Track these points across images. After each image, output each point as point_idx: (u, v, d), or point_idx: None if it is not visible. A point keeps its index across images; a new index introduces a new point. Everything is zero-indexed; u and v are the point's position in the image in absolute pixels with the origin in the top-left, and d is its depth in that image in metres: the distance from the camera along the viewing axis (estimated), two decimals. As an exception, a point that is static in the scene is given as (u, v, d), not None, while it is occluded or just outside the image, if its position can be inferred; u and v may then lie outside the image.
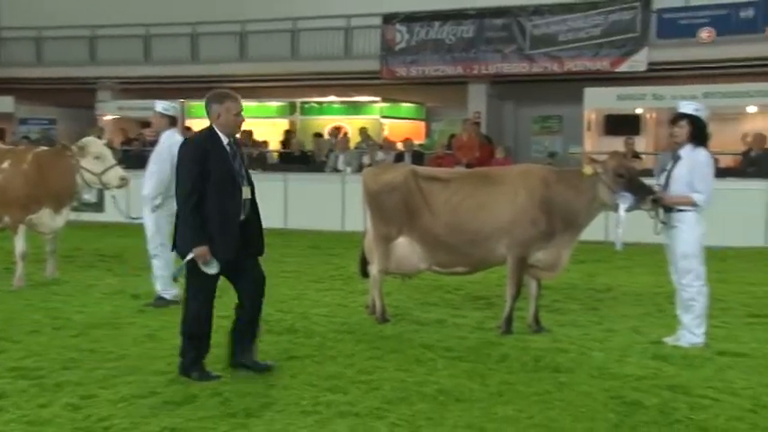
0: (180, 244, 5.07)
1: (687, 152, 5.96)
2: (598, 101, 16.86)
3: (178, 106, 8.36)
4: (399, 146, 15.78)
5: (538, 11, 18.30)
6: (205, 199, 4.87)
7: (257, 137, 18.35)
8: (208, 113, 5.09)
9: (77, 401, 4.63)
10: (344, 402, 4.63)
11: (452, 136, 16.57)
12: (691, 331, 5.99)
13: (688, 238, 5.91)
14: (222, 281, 5.10)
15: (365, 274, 7.05)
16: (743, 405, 4.66)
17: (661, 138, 15.85)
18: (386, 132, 19.23)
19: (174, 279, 5.01)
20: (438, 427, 4.29)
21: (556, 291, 7.97)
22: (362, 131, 17.12)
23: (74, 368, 5.31)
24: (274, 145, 19.14)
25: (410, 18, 19.40)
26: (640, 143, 16.10)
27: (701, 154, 5.94)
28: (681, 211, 5.91)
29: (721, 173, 10.44)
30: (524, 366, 5.43)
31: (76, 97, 22.35)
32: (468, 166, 13.19)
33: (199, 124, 20.01)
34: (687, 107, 6.06)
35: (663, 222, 6.02)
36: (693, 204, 5.87)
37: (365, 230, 7.00)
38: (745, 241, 11.51)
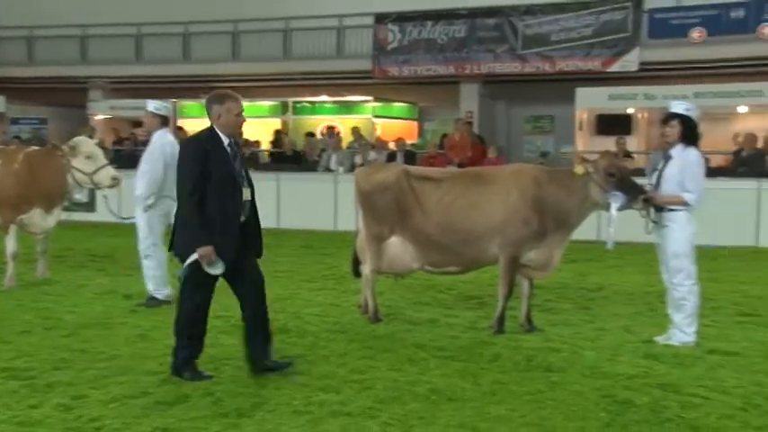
0: (179, 244, 5.01)
1: (678, 152, 5.98)
2: (590, 101, 16.91)
3: (170, 106, 8.35)
4: (392, 145, 15.79)
5: (530, 11, 18.34)
6: (206, 199, 4.83)
7: (249, 136, 18.32)
8: (208, 114, 5.05)
9: (68, 402, 4.62)
10: (336, 402, 4.62)
11: (444, 135, 16.59)
12: (682, 330, 6.02)
13: (679, 237, 5.93)
14: (220, 282, 5.07)
15: (357, 273, 7.05)
16: (734, 403, 4.68)
17: (652, 137, 15.90)
18: (378, 132, 19.24)
19: (179, 280, 4.92)
20: (430, 426, 4.30)
21: (548, 290, 7.98)
22: (355, 131, 17.12)
23: (65, 368, 5.29)
24: (266, 145, 19.12)
25: (402, 18, 19.40)
26: (632, 143, 16.15)
27: (692, 154, 5.97)
28: (672, 210, 5.94)
29: (712, 172, 10.48)
30: (516, 366, 5.44)
31: (68, 97, 22.27)
32: (461, 165, 13.21)
33: (191, 124, 20.09)
34: (678, 107, 6.09)
35: (654, 222, 6.04)
36: (684, 204, 5.89)
37: (357, 230, 7.00)
38: (736, 241, 11.56)
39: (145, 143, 8.31)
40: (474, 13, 18.73)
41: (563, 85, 17.45)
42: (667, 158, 6.04)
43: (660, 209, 5.98)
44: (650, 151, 14.85)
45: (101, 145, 9.17)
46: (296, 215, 13.92)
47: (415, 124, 21.41)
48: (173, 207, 7.55)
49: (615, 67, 17.57)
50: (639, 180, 6.39)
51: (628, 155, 14.23)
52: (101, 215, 12.09)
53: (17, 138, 18.60)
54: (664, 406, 4.62)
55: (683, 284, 5.97)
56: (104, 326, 6.55)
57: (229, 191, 4.91)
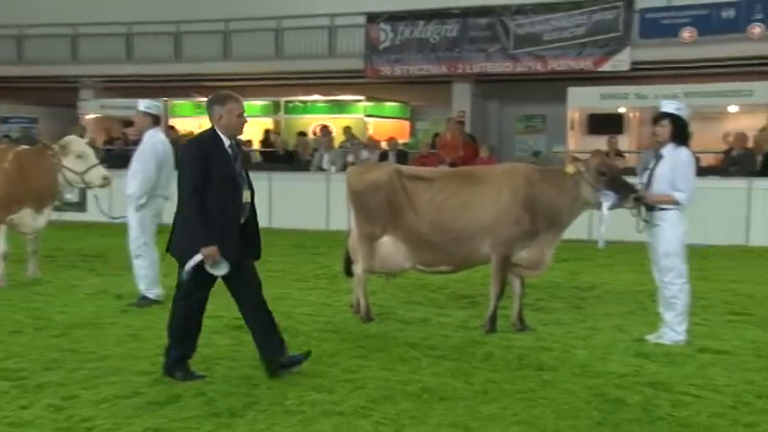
0: (177, 245, 4.96)
1: (669, 151, 6.00)
2: (581, 100, 16.96)
3: (161, 105, 8.33)
4: (384, 145, 15.79)
5: (521, 10, 18.38)
6: (206, 200, 4.79)
7: (241, 136, 18.27)
8: (210, 115, 5.01)
9: (59, 402, 4.59)
10: (329, 401, 4.62)
11: (436, 135, 16.60)
12: (673, 329, 6.04)
13: (670, 236, 5.95)
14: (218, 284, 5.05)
15: (349, 273, 7.05)
16: (724, 402, 4.70)
17: (644, 137, 15.96)
18: (370, 131, 19.24)
19: (184, 279, 4.85)
20: (422, 425, 4.30)
21: (540, 289, 8.00)
22: (347, 131, 17.11)
23: (56, 369, 5.26)
24: (257, 144, 19.08)
25: (394, 17, 19.41)
26: (623, 142, 16.22)
27: (683, 153, 5.99)
28: (663, 209, 5.95)
29: (703, 171, 10.52)
30: (508, 365, 5.44)
31: (58, 96, 22.19)
32: (453, 165, 13.23)
33: (182, 123, 20.08)
34: (669, 106, 6.11)
35: (645, 221, 6.06)
36: (675, 203, 5.91)
37: (349, 229, 7.00)
38: (727, 240, 11.61)
39: (136, 142, 8.29)
40: (466, 13, 18.76)
41: (555, 85, 17.50)
42: (658, 158, 6.06)
43: (651, 208, 6.00)
44: (642, 150, 14.90)
45: (91, 144, 9.15)
46: (288, 215, 13.90)
47: (406, 124, 21.43)
48: (164, 206, 7.59)
49: (607, 67, 17.62)
50: (631, 179, 6.41)
51: (619, 154, 14.29)
52: (92, 215, 12.04)
53: (7, 137, 18.50)
54: (655, 404, 4.63)
55: (673, 283, 5.99)
56: (95, 326, 6.52)
57: (230, 192, 4.88)
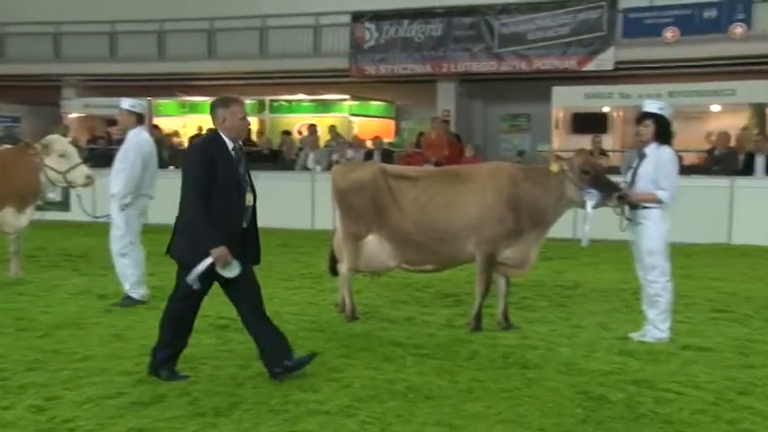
0: (179, 247, 4.91)
1: (652, 150, 6.04)
2: (566, 99, 17.02)
3: (145, 104, 8.27)
4: (369, 144, 15.79)
5: (506, 10, 18.44)
6: (210, 203, 4.75)
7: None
8: (213, 118, 4.97)
9: (41, 403, 4.56)
10: (314, 401, 4.62)
11: (421, 134, 16.63)
12: (656, 327, 6.08)
13: (653, 234, 5.99)
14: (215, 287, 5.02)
15: (334, 272, 7.04)
16: (706, 398, 4.74)
17: (628, 136, 16.07)
18: (355, 130, 19.24)
19: (189, 282, 4.78)
20: (408, 424, 4.30)
21: (524, 288, 8.03)
22: (332, 130, 17.09)
23: (38, 369, 5.22)
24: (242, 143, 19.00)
25: (379, 16, 19.41)
26: (608, 141, 16.30)
27: (666, 152, 6.03)
28: (646, 207, 5.99)
29: (686, 170, 10.60)
30: (493, 363, 5.46)
31: (41, 94, 22.01)
32: (438, 164, 13.25)
33: (166, 122, 19.97)
34: (652, 106, 6.15)
35: (628, 219, 6.10)
36: (658, 201, 5.95)
37: (334, 229, 6.99)
38: (709, 238, 11.70)
39: (119, 141, 8.23)
40: (450, 12, 18.79)
41: (539, 84, 17.56)
42: (642, 157, 6.10)
43: (634, 206, 6.04)
44: (625, 149, 15.00)
45: (74, 143, 9.07)
46: (273, 214, 13.76)
47: (392, 123, 21.44)
48: (149, 205, 7.55)
49: (591, 66, 17.72)
50: (615, 178, 6.44)
51: (603, 153, 14.37)
52: (75, 214, 11.95)
53: (-11, 136, 18.35)
54: (638, 401, 4.67)
55: (657, 281, 6.03)
56: (79, 326, 6.48)
57: (233, 196, 4.85)
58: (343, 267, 6.80)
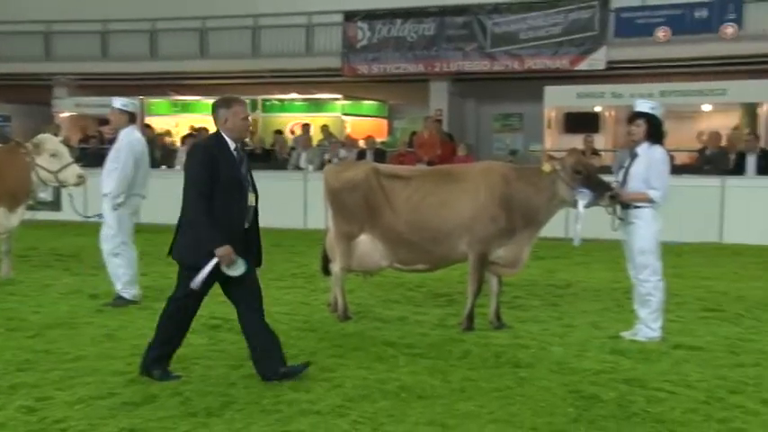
0: (180, 248, 4.89)
1: (644, 150, 6.06)
2: (558, 99, 17.05)
3: (137, 103, 8.24)
4: (361, 143, 15.78)
5: (498, 9, 18.46)
6: (212, 204, 4.73)
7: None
8: (215, 118, 4.96)
9: (32, 404, 4.54)
10: (306, 401, 4.61)
11: (414, 133, 16.63)
12: (648, 326, 6.10)
13: (645, 233, 6.01)
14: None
15: (327, 271, 7.04)
16: (697, 397, 4.76)
17: (620, 135, 16.09)
18: (348, 130, 19.23)
19: (194, 286, 4.78)
20: (400, 424, 4.30)
21: (516, 287, 8.04)
22: (324, 129, 17.08)
23: (29, 370, 5.20)
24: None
25: (371, 15, 19.41)
26: (600, 141, 16.34)
27: (658, 151, 6.05)
28: (638, 207, 6.01)
29: (677, 170, 10.62)
30: (485, 362, 5.47)
31: (32, 94, 21.91)
32: (430, 163, 13.24)
33: (158, 122, 19.92)
34: (643, 106, 6.17)
35: (620, 219, 6.11)
36: (650, 201, 5.97)
37: (327, 228, 6.99)
38: (701, 237, 11.74)
39: (111, 141, 8.20)
40: (443, 12, 18.80)
41: (532, 84, 17.58)
42: (633, 156, 6.12)
43: (626, 206, 6.06)
44: (617, 149, 15.03)
45: (66, 143, 9.03)
46: (265, 213, 13.72)
47: (384, 122, 21.44)
48: (141, 205, 7.53)
49: (583, 66, 17.75)
50: (607, 177, 6.46)
51: (595, 152, 14.40)
52: (66, 214, 11.89)
53: (-20, 135, 18.26)
54: (630, 400, 4.68)
55: (648, 280, 6.05)
56: (70, 326, 6.46)
57: (236, 196, 4.84)
58: (335, 267, 6.80)
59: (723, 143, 13.64)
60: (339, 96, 20.29)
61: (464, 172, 6.76)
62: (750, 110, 16.14)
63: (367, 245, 6.62)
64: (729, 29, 16.67)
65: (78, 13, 21.14)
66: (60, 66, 21.60)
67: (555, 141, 17.04)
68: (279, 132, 17.86)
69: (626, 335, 6.18)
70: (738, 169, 12.66)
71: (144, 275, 7.96)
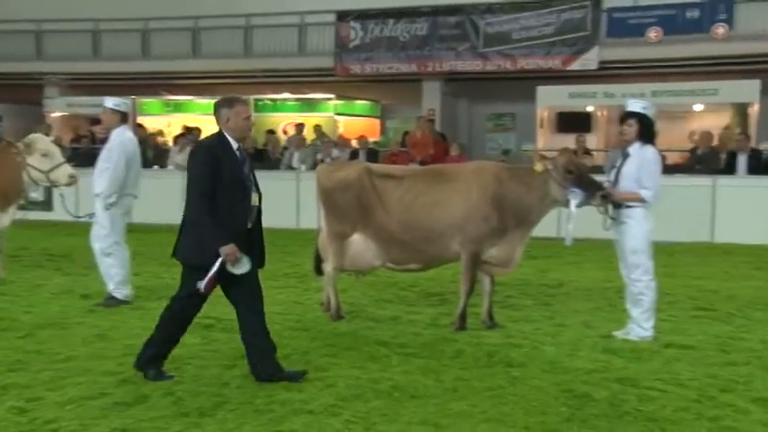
0: (183, 248, 4.88)
1: (636, 149, 6.08)
2: (550, 99, 17.09)
3: (129, 103, 8.22)
4: (354, 143, 15.77)
5: (490, 9, 18.47)
6: (215, 204, 4.72)
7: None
8: (217, 118, 4.96)
9: (23, 404, 4.52)
10: (299, 400, 4.61)
11: (407, 133, 16.62)
12: (640, 325, 6.12)
13: (636, 233, 6.03)
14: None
15: (320, 271, 7.04)
16: (689, 396, 4.78)
17: (612, 135, 16.14)
18: (340, 130, 19.21)
19: (201, 288, 4.75)
20: (393, 423, 4.30)
21: (509, 286, 8.05)
22: (317, 129, 17.07)
23: (20, 370, 5.18)
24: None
25: (364, 15, 19.40)
26: (592, 140, 16.37)
27: (649, 151, 6.07)
28: (629, 206, 6.03)
29: (669, 169, 10.66)
30: (478, 362, 5.48)
31: (23, 93, 21.82)
32: (423, 163, 13.25)
33: (150, 121, 19.86)
34: (635, 106, 6.19)
35: (612, 218, 6.13)
36: (641, 200, 5.99)
37: (319, 228, 6.98)
38: (692, 237, 11.79)
39: (103, 141, 8.18)
40: (435, 12, 18.80)
41: (524, 84, 17.61)
42: (625, 156, 6.14)
43: (618, 205, 6.07)
44: (609, 149, 15.07)
45: (57, 142, 9.00)
46: (258, 213, 13.78)
47: (377, 122, 21.43)
48: (133, 205, 7.51)
49: (575, 66, 17.78)
50: (599, 177, 6.48)
51: (587, 152, 14.43)
52: (57, 214, 11.86)
53: (-29, 135, 18.16)
54: (622, 399, 4.69)
55: (640, 280, 6.07)
56: (61, 326, 6.44)
57: (239, 196, 4.83)
58: (328, 266, 6.80)
59: (714, 143, 13.69)
60: (332, 96, 20.28)
61: (456, 172, 6.77)
62: (741, 110, 16.20)
63: (359, 244, 6.62)
64: (720, 29, 16.73)
65: (70, 12, 21.05)
66: (52, 65, 21.52)
67: (547, 141, 17.07)
68: (271, 132, 17.82)
69: (618, 334, 6.20)
70: (729, 169, 12.72)
71: (136, 275, 7.94)
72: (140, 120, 19.33)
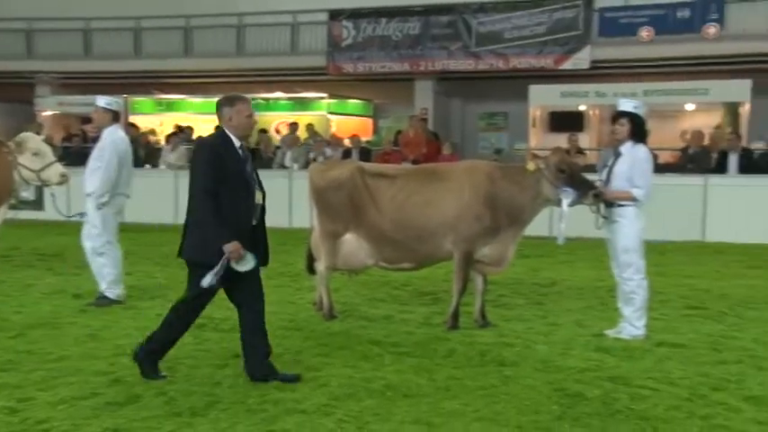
0: (188, 248, 4.86)
1: (627, 149, 6.10)
2: (543, 98, 17.11)
3: (121, 101, 8.19)
4: (347, 142, 15.77)
5: (483, 8, 18.50)
6: (219, 202, 4.70)
7: (204, 134, 18.10)
8: (219, 117, 4.95)
9: (14, 405, 4.51)
10: (291, 400, 4.60)
11: (399, 132, 16.64)
12: (632, 324, 6.14)
13: (628, 232, 6.04)
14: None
15: (312, 270, 7.03)
16: (680, 394, 4.80)
17: (604, 134, 16.17)
18: (333, 129, 19.20)
19: (209, 286, 4.73)
20: (385, 422, 4.30)
21: (501, 285, 8.07)
22: (309, 128, 17.05)
23: (11, 370, 5.16)
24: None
25: (356, 14, 19.39)
26: (584, 139, 16.40)
27: (641, 150, 6.09)
28: (621, 205, 6.05)
29: (660, 169, 10.70)
30: (470, 361, 5.48)
31: (14, 92, 21.70)
32: (415, 162, 13.27)
33: (142, 120, 19.79)
34: (626, 105, 6.20)
35: (604, 217, 6.15)
36: (633, 199, 6.01)
37: (312, 227, 6.98)
38: (683, 235, 11.83)
39: (94, 140, 8.15)
40: (428, 11, 18.82)
41: (516, 83, 17.63)
42: (617, 155, 6.16)
43: (610, 204, 6.09)
44: (601, 148, 15.11)
45: (48, 141, 8.96)
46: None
47: (369, 121, 21.42)
48: (125, 204, 7.49)
49: (567, 65, 17.82)
50: (591, 176, 6.49)
51: (580, 151, 14.47)
52: (49, 213, 11.82)
53: (-39, 134, 18.04)
54: (614, 398, 4.71)
55: (632, 278, 6.09)
56: (53, 326, 6.41)
57: (242, 193, 4.83)
58: (320, 266, 6.79)
59: (705, 142, 13.74)
60: (324, 95, 20.25)
61: (449, 171, 6.77)
62: (732, 109, 16.26)
63: (352, 243, 6.62)
64: (711, 29, 16.80)
65: (61, 10, 20.97)
66: (43, 64, 21.43)
67: (540, 140, 17.10)
68: (263, 131, 17.79)
69: (610, 333, 6.21)
70: (720, 168, 12.77)
71: (128, 275, 7.91)
72: (132, 119, 19.26)
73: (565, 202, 6.14)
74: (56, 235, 12.08)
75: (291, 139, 15.95)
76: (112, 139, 7.24)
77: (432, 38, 18.75)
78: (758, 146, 14.19)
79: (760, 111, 15.47)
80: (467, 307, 6.61)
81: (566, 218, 6.20)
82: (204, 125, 18.52)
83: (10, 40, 21.75)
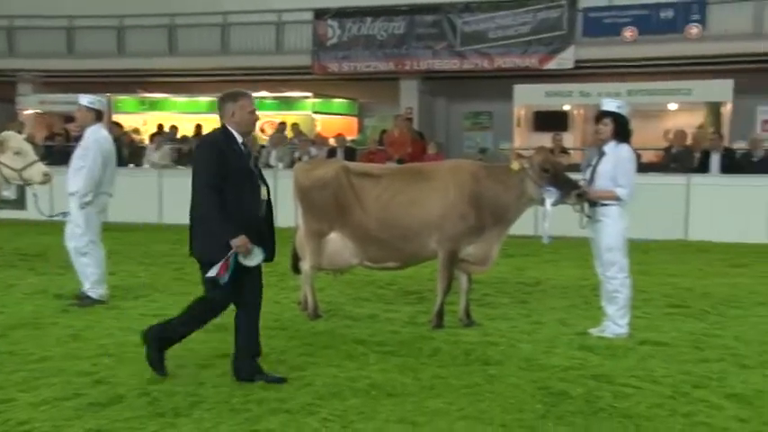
0: (197, 244, 4.84)
1: (611, 148, 6.13)
2: (527, 97, 17.19)
3: (104, 100, 8.13)
4: (332, 141, 15.75)
5: (468, 8, 18.55)
6: (223, 198, 4.68)
7: (188, 133, 18.03)
8: (221, 113, 4.94)
9: (-5, 406, 4.47)
10: (276, 399, 4.59)
11: (384, 132, 16.63)
12: (615, 322, 6.17)
13: (612, 231, 6.07)
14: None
15: (297, 270, 7.02)
16: (663, 392, 4.83)
17: (588, 134, 16.26)
18: (318, 128, 19.18)
19: (212, 275, 4.70)
20: (370, 421, 4.30)
21: (486, 284, 8.08)
22: (294, 127, 17.02)
23: (-8, 371, 5.12)
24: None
25: (342, 13, 19.39)
26: (568, 139, 16.49)
27: (625, 150, 6.12)
28: (605, 205, 6.08)
29: (643, 168, 10.76)
30: (455, 360, 5.49)
31: (-5, 90, 21.55)
32: (400, 161, 13.26)
33: (126, 119, 19.69)
34: (610, 105, 6.23)
35: (588, 216, 6.17)
36: (617, 198, 6.04)
37: (297, 226, 6.96)
38: (666, 234, 11.91)
39: (77, 139, 8.09)
40: (413, 10, 18.86)
41: (501, 82, 17.70)
42: (601, 155, 6.18)
43: (593, 204, 6.12)
44: (586, 147, 15.19)
45: (30, 140, 8.89)
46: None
47: (354, 120, 21.43)
48: (109, 203, 7.44)
49: (552, 65, 17.91)
50: (575, 176, 6.52)
51: (564, 151, 14.53)
52: (30, 213, 11.72)
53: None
54: (597, 396, 4.73)
55: (615, 277, 6.12)
56: (35, 326, 6.36)
57: (247, 189, 4.81)
58: (305, 265, 6.78)
59: (688, 142, 13.83)
60: (309, 94, 20.24)
61: (434, 170, 6.78)
62: (714, 109, 16.41)
63: (337, 243, 6.61)
64: (694, 29, 16.94)
65: (43, 8, 20.80)
66: (25, 62, 21.28)
67: (524, 140, 17.16)
68: (248, 130, 17.71)
69: (594, 331, 6.24)
70: (703, 167, 12.86)
71: (112, 274, 7.86)
72: (116, 117, 19.16)
73: (548, 202, 6.16)
74: (38, 235, 11.98)
75: (278, 138, 15.92)
76: (96, 138, 7.19)
77: (417, 37, 18.79)
78: (740, 145, 14.31)
79: (742, 111, 15.62)
80: (452, 306, 6.62)
81: (549, 217, 6.22)
82: (188, 124, 18.47)
83: (-9, 38, 21.59)
